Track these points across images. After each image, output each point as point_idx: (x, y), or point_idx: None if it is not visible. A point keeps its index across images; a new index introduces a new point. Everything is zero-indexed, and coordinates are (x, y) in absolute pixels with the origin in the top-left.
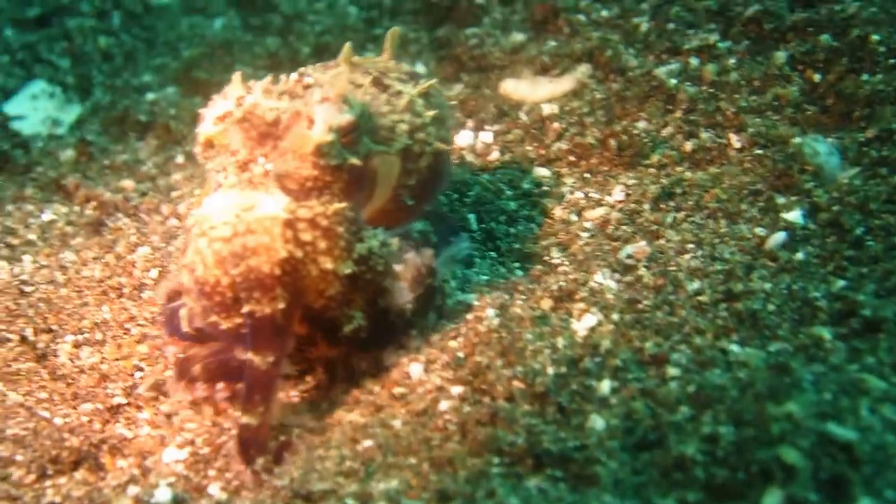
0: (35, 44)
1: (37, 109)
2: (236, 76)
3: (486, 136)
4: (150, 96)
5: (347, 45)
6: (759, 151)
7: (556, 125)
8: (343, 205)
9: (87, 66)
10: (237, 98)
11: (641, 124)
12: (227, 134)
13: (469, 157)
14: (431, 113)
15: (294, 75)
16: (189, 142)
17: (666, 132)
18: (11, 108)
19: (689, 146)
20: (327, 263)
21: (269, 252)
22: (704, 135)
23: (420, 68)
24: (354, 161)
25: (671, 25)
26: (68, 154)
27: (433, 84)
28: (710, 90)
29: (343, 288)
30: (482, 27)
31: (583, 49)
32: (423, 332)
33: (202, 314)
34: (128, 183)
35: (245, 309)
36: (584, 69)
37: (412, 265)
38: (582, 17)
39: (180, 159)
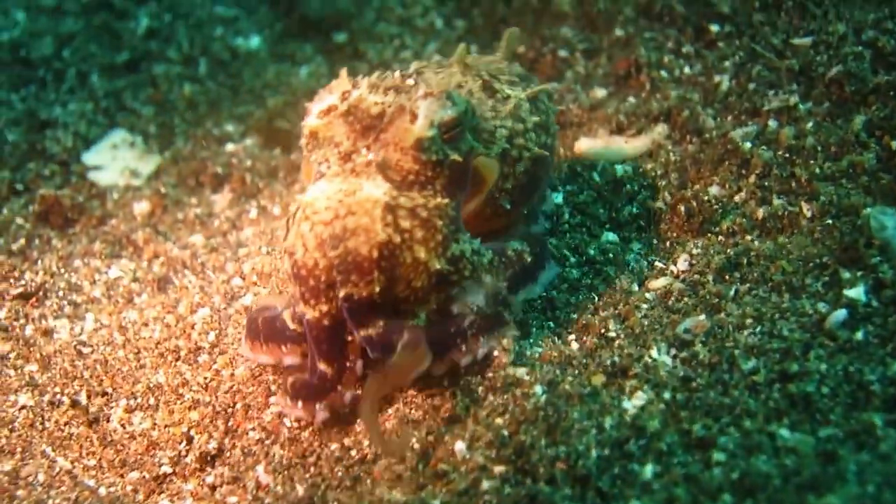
0: (121, 91)
1: (115, 159)
2: (343, 72)
3: (558, 197)
4: (230, 147)
5: (462, 45)
6: (830, 221)
7: (628, 187)
8: (445, 201)
9: (169, 115)
10: (342, 92)
11: (714, 189)
12: (332, 126)
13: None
14: (535, 119)
15: (403, 71)
16: (264, 196)
17: (739, 198)
18: (91, 157)
19: (760, 213)
20: (421, 253)
21: (368, 233)
22: (777, 201)
23: None
24: (456, 157)
25: (752, 85)
26: (143, 207)
27: (544, 89)
28: (786, 155)
29: (428, 283)
30: (564, 81)
31: (660, 109)
32: (474, 358)
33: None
34: (197, 239)
35: (341, 293)
36: (660, 129)
37: (493, 285)
38: (664, 74)
39: (253, 213)
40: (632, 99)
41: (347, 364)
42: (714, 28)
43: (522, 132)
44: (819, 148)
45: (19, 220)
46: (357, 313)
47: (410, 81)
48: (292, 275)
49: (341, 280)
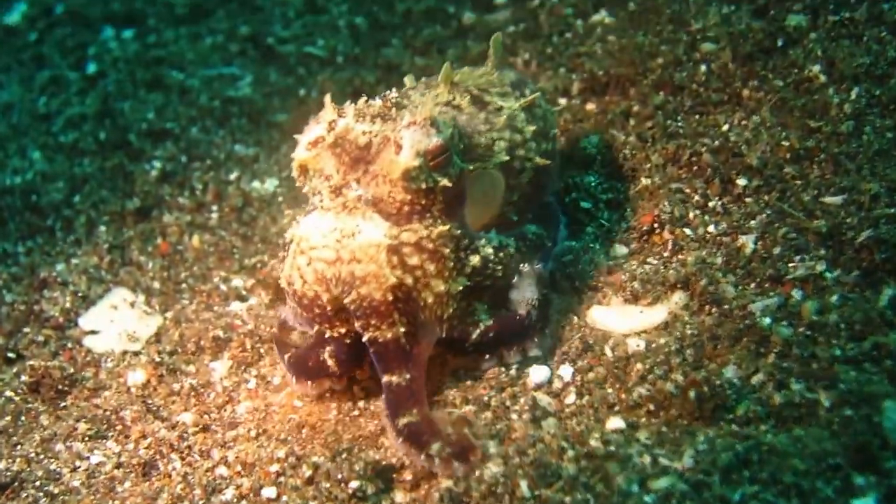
0: (128, 242)
1: (114, 322)
2: (327, 99)
3: (566, 373)
4: (235, 306)
5: (446, 65)
6: (849, 412)
7: (639, 366)
8: (447, 227)
9: (176, 268)
10: (329, 122)
11: (730, 371)
12: (320, 159)
13: (544, 400)
14: (532, 128)
15: (391, 95)
16: (265, 364)
17: (756, 380)
18: (88, 321)
19: (777, 399)
20: (440, 286)
21: (379, 279)
22: (795, 386)
23: None
24: (445, 182)
25: (777, 249)
26: (138, 377)
27: (536, 97)
28: (807, 332)
29: (460, 304)
30: (584, 236)
31: (678, 276)
32: (542, 347)
33: (306, 322)
34: (188, 417)
35: (366, 337)
36: (677, 298)
37: (533, 271)
38: (688, 231)
39: (252, 384)
40: (652, 260)
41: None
42: (742, 182)
43: (522, 143)
44: (842, 326)
45: (9, 393)
46: (384, 357)
47: (395, 110)
48: (296, 303)
49: (362, 325)
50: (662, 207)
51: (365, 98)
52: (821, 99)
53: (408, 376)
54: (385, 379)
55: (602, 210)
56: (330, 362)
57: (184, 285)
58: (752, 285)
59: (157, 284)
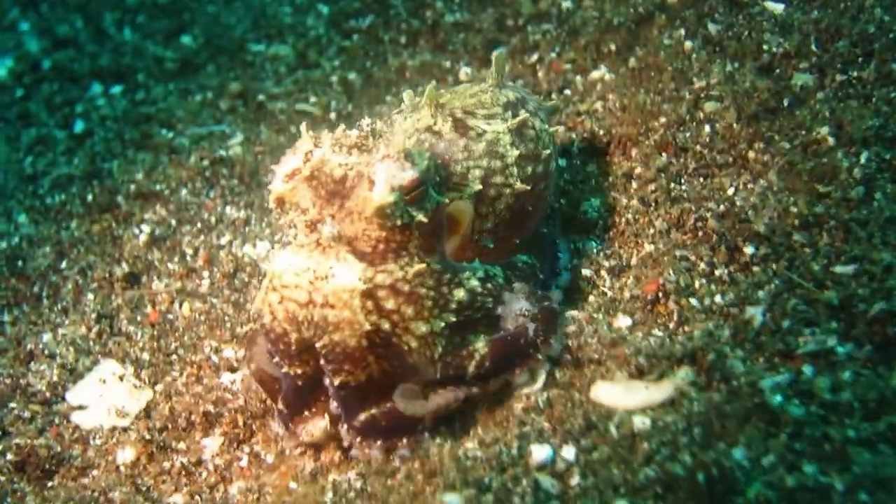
0: (115, 311)
1: (102, 396)
2: (304, 128)
3: (569, 453)
4: (227, 378)
5: (430, 87)
6: (864, 497)
7: (645, 445)
8: (423, 265)
9: (166, 339)
10: (305, 153)
11: (739, 452)
12: (297, 192)
13: (546, 482)
14: (517, 152)
15: (367, 123)
16: (258, 440)
17: (766, 461)
18: (75, 396)
19: (789, 482)
20: (421, 328)
21: (353, 326)
22: (808, 468)
23: None
24: (421, 218)
25: (787, 322)
26: (127, 455)
27: (525, 118)
28: (819, 411)
29: (450, 341)
30: (584, 309)
31: (684, 351)
32: (551, 359)
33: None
34: (179, 499)
35: (337, 381)
36: (684, 374)
37: (524, 288)
38: (694, 302)
39: (244, 462)
40: (657, 332)
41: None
42: (749, 249)
43: (500, 169)
44: (856, 404)
45: None
46: (356, 398)
47: (371, 140)
48: (265, 335)
49: (333, 370)
50: (667, 276)
51: (343, 127)
52: (829, 163)
53: (388, 405)
54: (351, 422)
55: (604, 278)
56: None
57: (174, 356)
58: (762, 360)
59: (146, 356)
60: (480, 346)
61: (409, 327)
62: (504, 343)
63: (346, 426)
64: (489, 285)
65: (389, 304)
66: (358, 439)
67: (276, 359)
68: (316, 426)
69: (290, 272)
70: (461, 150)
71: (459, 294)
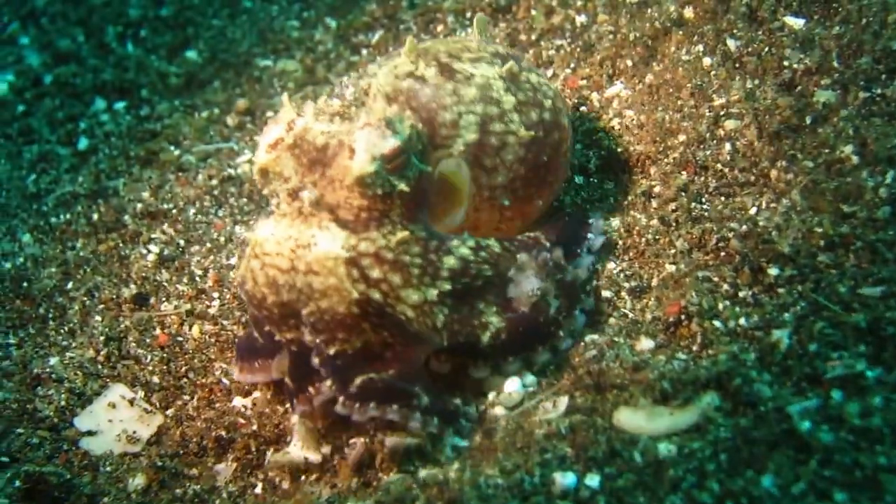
0: (123, 334)
1: (112, 422)
2: (285, 98)
3: (593, 481)
4: (238, 402)
5: (410, 38)
6: None
7: (671, 472)
8: (406, 233)
9: (176, 362)
10: (288, 122)
11: (768, 479)
12: (280, 161)
13: None
14: (512, 98)
15: (350, 90)
16: (271, 466)
17: (796, 489)
18: (84, 421)
19: None
20: (414, 295)
21: (340, 293)
22: (839, 496)
23: None
24: (403, 187)
25: (814, 346)
26: (138, 482)
27: (515, 65)
28: (849, 437)
29: (455, 309)
30: (605, 333)
31: (709, 375)
32: (573, 333)
33: (258, 323)
34: None
35: (331, 351)
36: (709, 399)
37: (534, 256)
38: (718, 325)
39: (259, 489)
40: (680, 356)
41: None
42: (773, 271)
43: (499, 116)
44: (886, 430)
45: (3, 501)
46: (347, 368)
47: (354, 108)
48: (248, 302)
49: (324, 339)
50: (690, 298)
51: (325, 96)
52: (854, 182)
53: (390, 372)
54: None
55: (625, 299)
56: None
57: (184, 380)
58: (789, 385)
59: (156, 379)
60: (495, 319)
61: (400, 296)
62: (523, 320)
63: (342, 398)
64: (482, 253)
65: (375, 273)
66: (357, 405)
67: (266, 328)
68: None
69: (271, 241)
70: (449, 94)
71: (450, 262)
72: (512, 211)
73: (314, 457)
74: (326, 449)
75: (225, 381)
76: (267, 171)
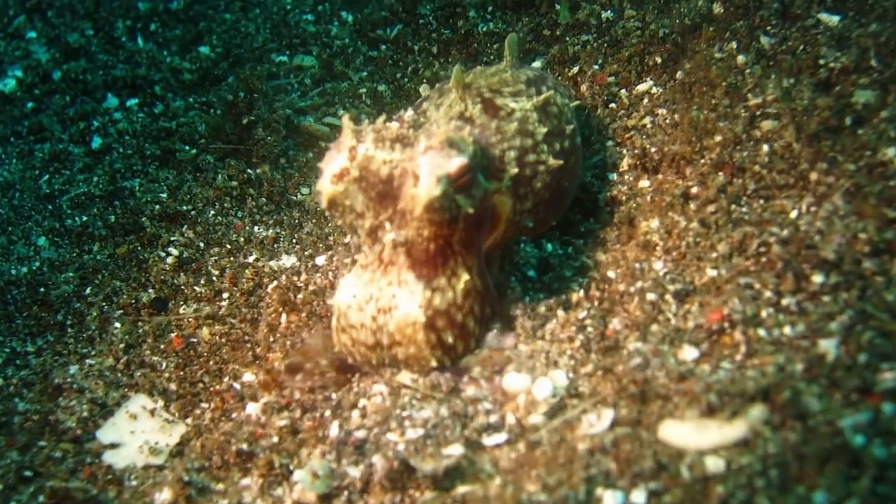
0: (143, 339)
1: (134, 433)
2: (346, 121)
3: (639, 497)
4: (252, 408)
5: (457, 69)
6: None
7: (720, 489)
8: (466, 278)
9: (191, 366)
10: (349, 150)
11: (820, 496)
12: (348, 194)
13: None
14: (544, 129)
15: (409, 113)
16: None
17: None
18: (107, 434)
19: None
20: (461, 347)
21: (420, 362)
22: None
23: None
24: (469, 210)
25: (863, 357)
26: (165, 497)
27: (550, 95)
28: None
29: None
30: (650, 337)
31: (757, 386)
32: None
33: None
34: None
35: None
36: (757, 412)
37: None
38: (762, 333)
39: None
40: (725, 365)
41: None
42: (818, 279)
43: (533, 147)
44: None
45: None
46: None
47: (412, 131)
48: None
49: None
50: (732, 305)
51: (383, 117)
52: None
53: None
54: None
55: (670, 303)
56: None
57: (199, 385)
58: (838, 397)
59: (173, 386)
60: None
61: (457, 347)
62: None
63: None
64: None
65: (449, 339)
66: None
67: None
68: None
69: (354, 308)
70: (494, 133)
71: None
72: (531, 231)
73: None
74: (356, 471)
75: (236, 385)
76: (336, 202)
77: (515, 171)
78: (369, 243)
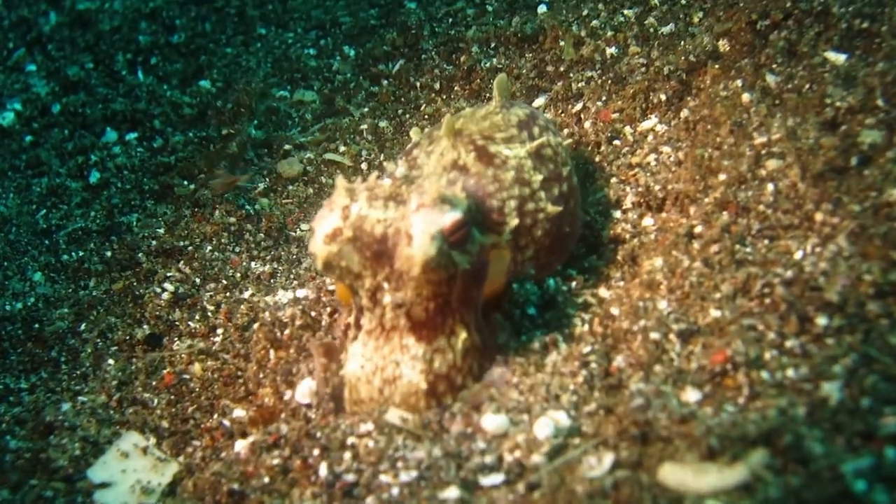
0: (134, 376)
1: (125, 472)
2: (339, 180)
3: None
4: (240, 445)
5: (447, 118)
6: None
7: None
8: (464, 335)
9: (182, 402)
10: (342, 209)
11: None
12: (343, 255)
13: None
14: (540, 176)
15: (400, 170)
16: None
17: None
18: (98, 473)
19: None
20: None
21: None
22: None
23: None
24: (465, 266)
25: (866, 401)
26: None
27: (543, 141)
28: None
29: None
30: (653, 377)
31: (759, 430)
32: None
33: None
34: None
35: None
36: (758, 457)
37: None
38: (765, 376)
39: None
40: (728, 408)
41: None
42: (821, 321)
43: (531, 195)
44: None
45: None
46: None
47: (405, 187)
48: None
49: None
50: (736, 347)
51: (375, 174)
52: None
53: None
54: None
55: (673, 342)
56: None
57: (191, 422)
58: (841, 442)
59: (165, 423)
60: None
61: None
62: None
63: None
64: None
65: (448, 400)
66: None
67: None
68: None
69: (363, 382)
70: (492, 182)
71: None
72: (534, 277)
73: None
74: None
75: (226, 423)
76: (331, 263)
77: (516, 222)
78: (370, 306)
